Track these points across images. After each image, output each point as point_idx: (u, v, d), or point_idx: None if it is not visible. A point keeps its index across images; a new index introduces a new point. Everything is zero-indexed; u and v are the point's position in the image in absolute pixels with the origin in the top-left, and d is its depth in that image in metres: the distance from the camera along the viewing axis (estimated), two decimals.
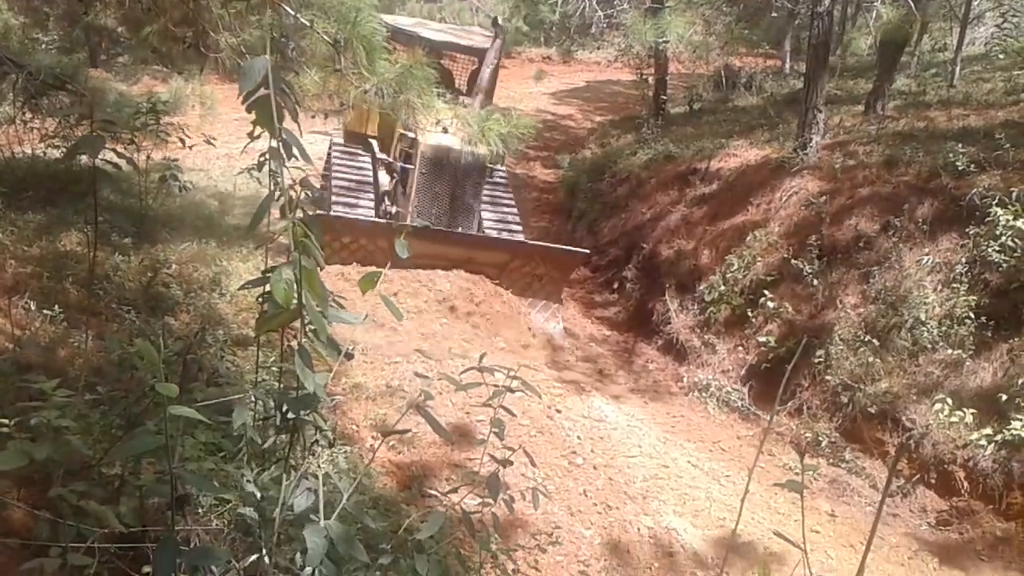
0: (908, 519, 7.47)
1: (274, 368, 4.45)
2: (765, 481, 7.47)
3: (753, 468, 1.85)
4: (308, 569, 2.55)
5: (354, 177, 11.06)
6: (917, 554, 6.95)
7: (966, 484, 7.36)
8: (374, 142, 11.92)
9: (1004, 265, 8.33)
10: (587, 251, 11.00)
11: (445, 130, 9.95)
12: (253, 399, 2.95)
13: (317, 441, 1.99)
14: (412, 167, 9.89)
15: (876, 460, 8.03)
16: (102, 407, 4.07)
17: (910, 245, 9.32)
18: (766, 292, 9.91)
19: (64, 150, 8.45)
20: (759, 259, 10.50)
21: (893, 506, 7.61)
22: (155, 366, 2.14)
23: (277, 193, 2.29)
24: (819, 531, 6.97)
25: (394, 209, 10.50)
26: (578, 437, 7.36)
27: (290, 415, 1.94)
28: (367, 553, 2.65)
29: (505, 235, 10.54)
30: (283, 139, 2.28)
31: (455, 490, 2.54)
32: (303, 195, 2.54)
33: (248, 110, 2.27)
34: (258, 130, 2.37)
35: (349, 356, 2.24)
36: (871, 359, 8.50)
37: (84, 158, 4.18)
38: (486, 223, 10.82)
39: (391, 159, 11.02)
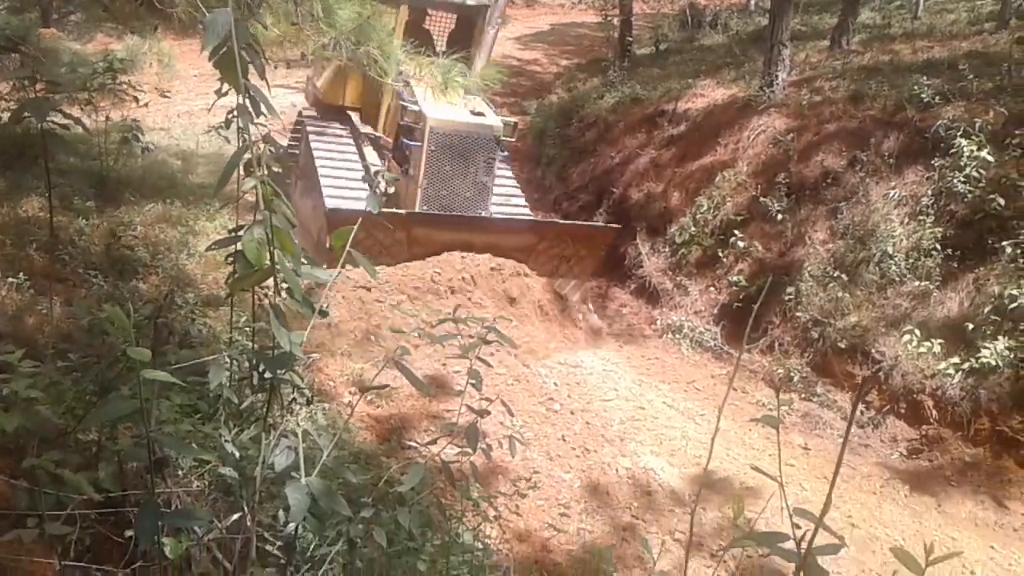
0: (879, 449, 7.64)
1: (247, 328, 4.42)
2: (739, 418, 7.60)
3: (723, 405, 1.87)
4: (291, 525, 2.57)
5: (341, 160, 9.95)
6: (888, 482, 7.12)
7: (935, 413, 7.53)
8: (354, 114, 10.84)
9: (969, 196, 8.43)
10: (619, 226, 10.17)
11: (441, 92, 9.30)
12: (228, 359, 2.94)
13: (295, 399, 1.98)
14: (417, 143, 8.80)
15: (847, 393, 8.18)
16: (75, 374, 4.03)
17: (877, 179, 9.38)
18: (736, 232, 9.96)
19: None
20: (728, 199, 10.53)
21: (864, 437, 7.78)
22: (126, 331, 2.11)
23: (244, 150, 2.25)
24: (793, 464, 7.12)
25: (391, 190, 9.44)
26: (555, 384, 7.43)
27: (267, 374, 1.93)
28: (349, 507, 2.68)
29: (507, 212, 9.63)
30: (250, 95, 2.23)
31: (434, 441, 2.55)
32: (269, 151, 2.49)
33: (214, 66, 2.21)
34: (225, 86, 2.31)
35: (324, 314, 2.23)
36: (840, 294, 8.61)
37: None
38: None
39: (378, 133, 10.13)
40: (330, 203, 8.74)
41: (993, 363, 7.21)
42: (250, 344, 3.59)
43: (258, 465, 1.95)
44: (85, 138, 8.52)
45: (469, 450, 2.35)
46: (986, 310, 7.59)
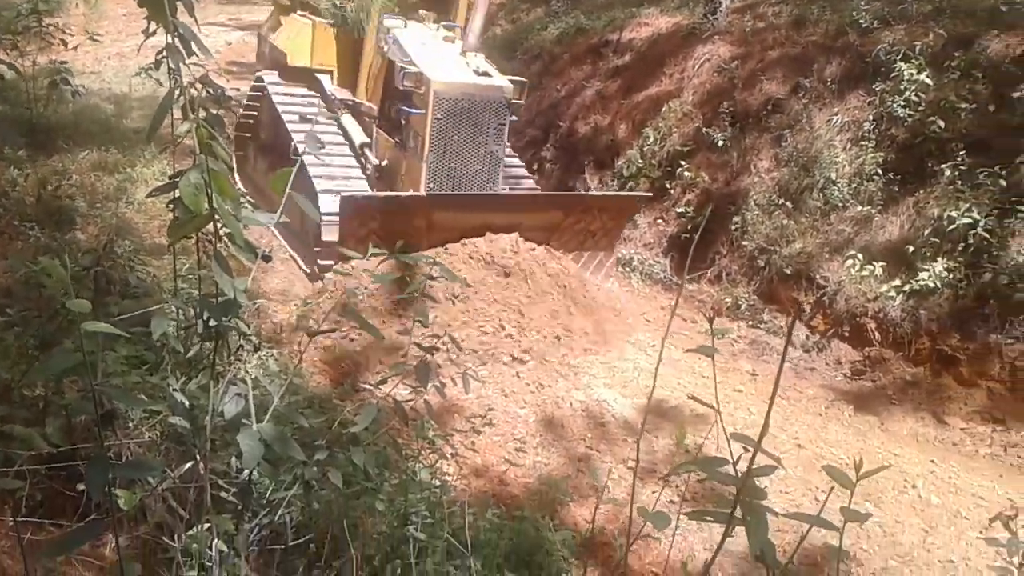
0: (824, 371, 7.84)
1: (192, 276, 4.35)
2: (689, 347, 7.72)
3: (665, 335, 1.89)
4: (246, 472, 2.57)
5: (324, 135, 8.70)
6: (833, 403, 7.33)
7: (877, 334, 7.73)
8: (324, 78, 9.60)
9: (909, 120, 8.54)
10: (649, 194, 9.43)
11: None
12: (172, 308, 2.89)
13: (242, 346, 1.96)
14: (418, 111, 7.80)
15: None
16: (16, 328, 3.94)
17: (819, 106, 9.45)
18: (683, 163, 10.00)
19: None
20: (675, 130, 10.54)
21: (810, 361, 7.97)
22: (63, 283, 2.06)
23: (177, 92, 2.18)
24: (741, 390, 7.28)
25: (383, 163, 8.54)
26: (505, 323, 7.45)
27: (211, 322, 1.90)
28: (303, 451, 2.68)
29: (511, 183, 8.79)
30: (179, 33, 2.14)
31: (384, 381, 2.55)
32: (206, 92, 2.42)
33: (139, 4, 2.12)
34: (153, 25, 2.22)
35: (267, 258, 2.19)
36: (785, 221, 8.73)
37: None
38: None
39: (359, 99, 9.13)
40: (321, 185, 7.82)
41: (932, 284, 7.41)
42: (196, 292, 3.54)
43: (208, 414, 1.94)
44: (12, 83, 8.20)
45: (422, 389, 2.35)
46: (926, 232, 7.76)
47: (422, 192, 7.71)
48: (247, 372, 2.06)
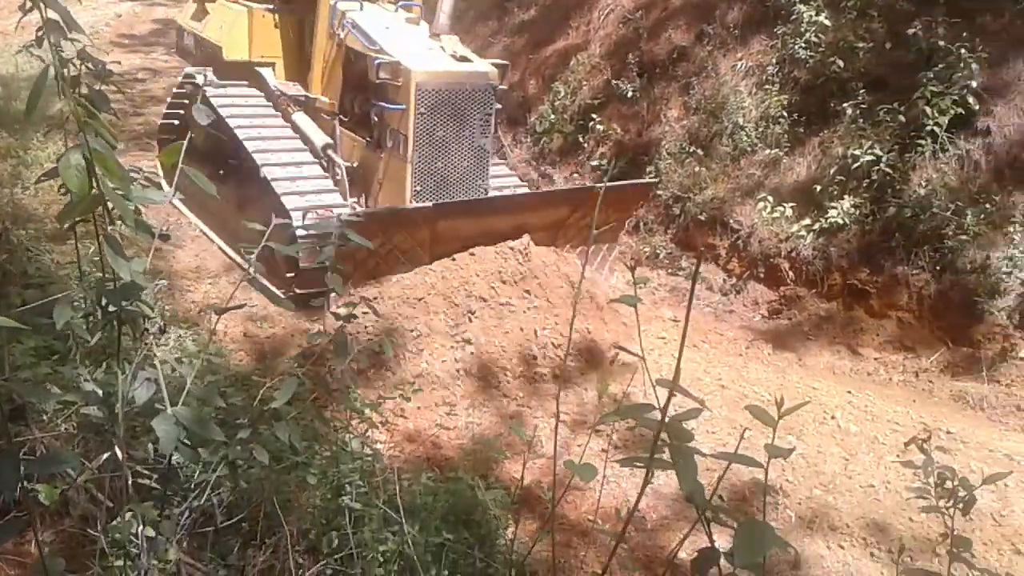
0: (743, 313, 8.04)
1: (96, 260, 4.19)
2: (612, 298, 7.80)
3: (579, 287, 1.90)
4: (169, 456, 2.51)
5: (279, 138, 7.71)
6: (753, 343, 7.53)
7: (791, 274, 7.95)
8: (266, 71, 8.47)
9: (810, 61, 8.71)
10: (656, 180, 8.67)
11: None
12: (77, 295, 2.78)
13: (147, 329, 1.89)
14: (398, 107, 6.98)
15: (710, 264, 8.51)
16: None
17: (724, 52, 9.57)
18: (594, 116, 10.03)
19: None
20: (584, 83, 10.55)
21: (728, 303, 8.16)
22: None
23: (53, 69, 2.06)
24: (665, 336, 7.40)
25: (355, 164, 7.67)
26: (433, 285, 7.40)
27: (111, 307, 1.83)
28: (226, 431, 2.62)
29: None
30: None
31: (301, 355, 2.51)
32: (87, 68, 2.30)
33: None
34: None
35: (164, 237, 2.11)
36: (697, 168, 8.86)
37: None
38: None
39: (314, 94, 8.10)
40: (292, 202, 6.75)
41: (840, 221, 7.64)
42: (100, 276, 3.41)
43: (119, 401, 1.87)
44: None
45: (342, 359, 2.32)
46: (832, 171, 7.98)
47: (407, 196, 7.04)
48: (156, 355, 1.99)
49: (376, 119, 7.25)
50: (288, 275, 6.74)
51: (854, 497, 5.39)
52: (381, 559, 3.25)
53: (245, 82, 8.29)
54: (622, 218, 7.81)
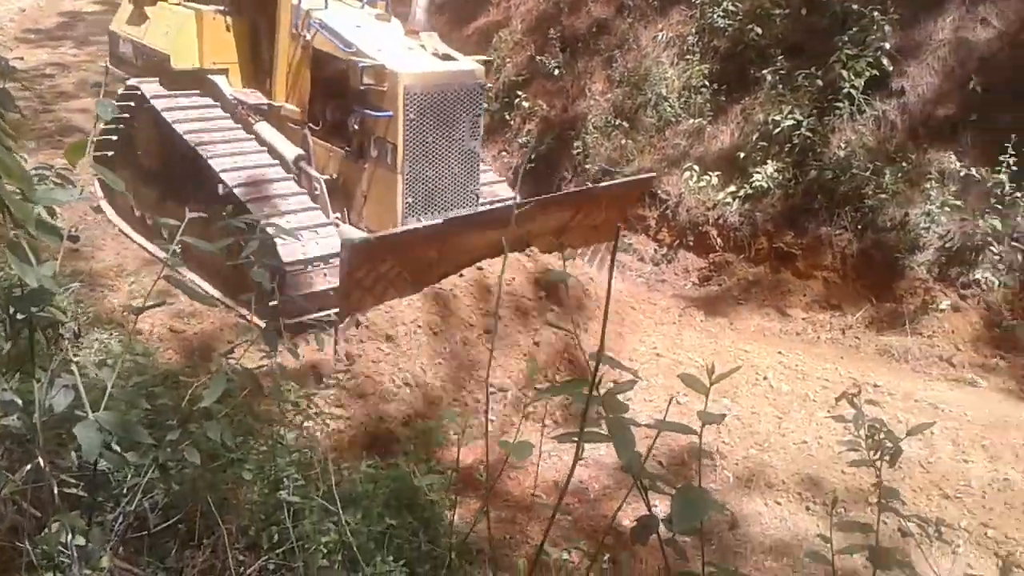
0: (674, 282, 8.15)
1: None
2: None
3: (504, 264, 1.89)
4: (97, 463, 2.43)
5: (253, 155, 7.11)
6: (685, 311, 7.64)
7: (719, 240, 8.08)
8: (219, 79, 7.80)
9: (729, 29, 8.82)
10: (653, 174, 8.13)
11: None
12: None
13: (61, 335, 1.82)
14: (384, 114, 6.52)
15: (640, 235, 8.58)
16: None
17: (644, 23, 9.62)
18: (519, 93, 10.01)
19: None
20: (508, 60, 10.51)
21: (660, 273, 8.26)
22: None
23: None
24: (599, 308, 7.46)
25: (335, 176, 7.15)
26: None
27: (20, 315, 1.76)
28: (155, 432, 2.56)
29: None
30: None
31: (231, 351, 2.46)
32: None
33: None
34: None
35: (74, 239, 2.04)
36: (623, 141, 8.91)
37: None
38: None
39: (278, 102, 7.45)
40: (282, 242, 6.00)
41: (764, 186, 7.78)
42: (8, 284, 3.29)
43: (37, 410, 1.81)
44: None
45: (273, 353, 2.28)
46: (754, 138, 8.11)
47: (399, 210, 6.63)
48: (74, 360, 1.92)
49: (356, 127, 6.78)
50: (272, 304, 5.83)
51: (788, 454, 5.53)
52: (324, 550, 3.22)
53: (196, 92, 7.68)
54: (622, 215, 7.62)
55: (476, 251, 6.32)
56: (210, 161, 6.76)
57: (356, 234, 6.41)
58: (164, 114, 7.20)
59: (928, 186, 7.13)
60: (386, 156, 6.63)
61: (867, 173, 7.35)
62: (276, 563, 3.13)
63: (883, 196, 7.26)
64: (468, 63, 6.99)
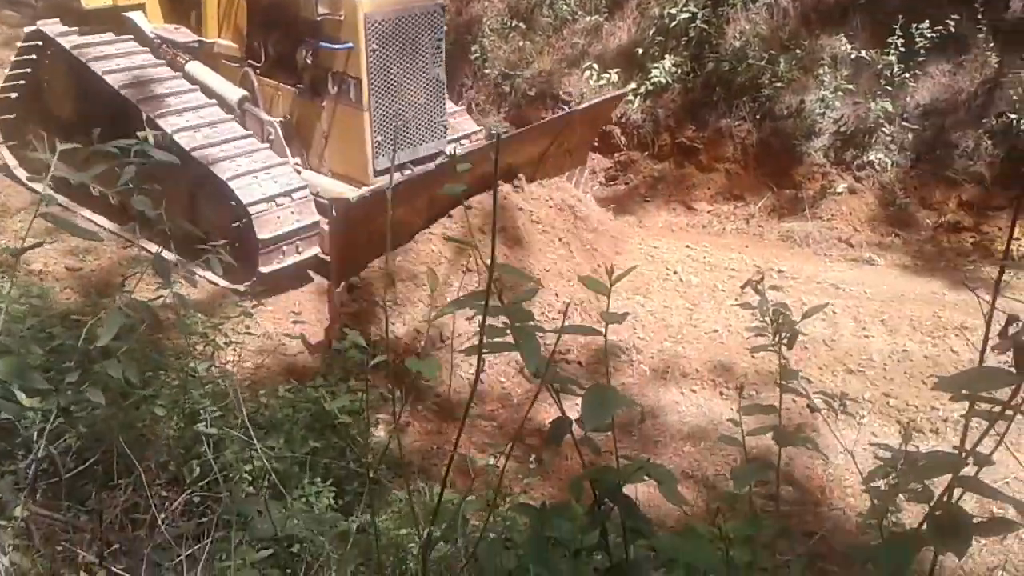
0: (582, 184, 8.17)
1: None
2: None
3: (392, 172, 1.86)
4: None
5: (186, 96, 6.46)
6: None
7: (623, 139, 8.11)
8: (136, 15, 7.02)
9: None
10: (626, 90, 7.71)
11: None
12: None
13: None
14: (344, 45, 5.98)
15: None
16: None
17: None
18: None
19: None
20: None
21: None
22: None
23: None
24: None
25: (289, 118, 6.61)
26: None
27: None
28: (55, 375, 2.47)
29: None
30: None
31: (121, 284, 2.37)
32: None
33: None
34: None
35: None
36: (522, 43, 8.77)
37: None
38: None
39: (206, 38, 6.80)
40: (226, 171, 5.79)
41: (664, 81, 7.79)
42: None
43: None
44: None
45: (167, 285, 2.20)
46: (651, 33, 8.07)
47: (368, 149, 6.15)
48: None
49: (309, 62, 6.23)
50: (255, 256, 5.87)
51: (700, 344, 5.71)
52: (249, 478, 3.21)
53: (110, 32, 6.82)
54: (590, 136, 7.35)
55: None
56: (148, 108, 6.12)
57: (336, 187, 6.07)
58: (90, 64, 6.39)
59: (821, 72, 7.25)
60: (348, 92, 6.11)
61: (763, 63, 7.43)
62: (201, 495, 3.11)
63: (779, 84, 7.36)
64: None
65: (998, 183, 6.75)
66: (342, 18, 5.92)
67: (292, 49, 6.34)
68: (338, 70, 6.10)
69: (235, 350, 4.02)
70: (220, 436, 3.10)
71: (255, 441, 2.53)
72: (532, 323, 1.70)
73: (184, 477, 3.10)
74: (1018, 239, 6.54)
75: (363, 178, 6.20)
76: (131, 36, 6.85)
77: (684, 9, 7.76)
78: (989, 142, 6.81)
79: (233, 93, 6.55)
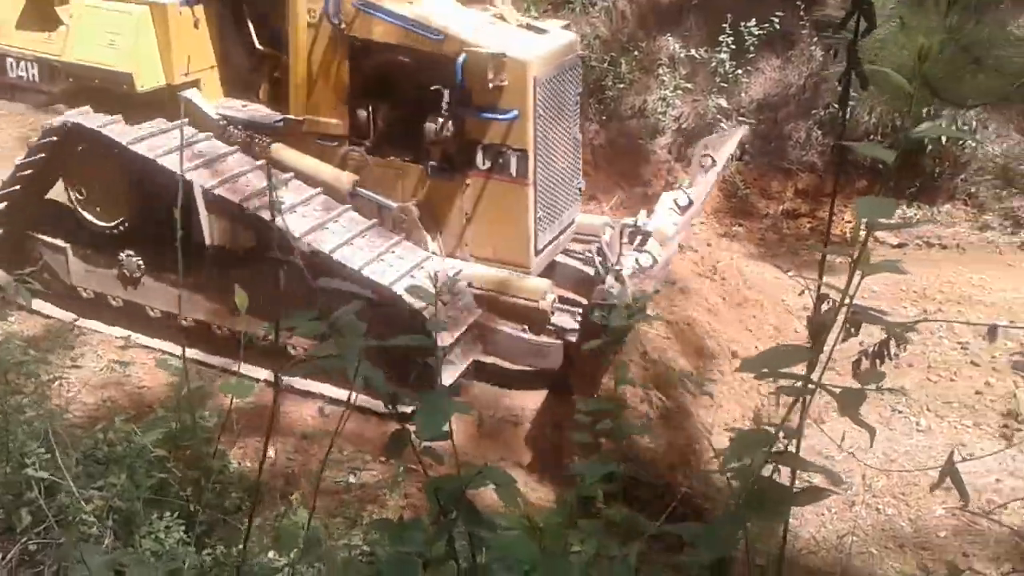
0: None
1: None
2: None
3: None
4: None
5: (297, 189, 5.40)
6: None
7: None
8: (194, 94, 5.87)
9: None
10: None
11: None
12: None
13: None
14: (507, 114, 5.07)
15: None
16: None
17: None
18: None
19: None
20: None
21: None
22: None
23: None
24: None
25: (410, 200, 5.59)
26: None
27: None
28: None
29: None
30: None
31: None
32: None
33: None
34: None
35: None
36: None
37: None
38: None
39: (301, 115, 5.67)
40: (386, 274, 4.86)
41: None
42: None
43: None
44: None
45: None
46: None
47: (530, 227, 5.30)
48: None
49: (448, 134, 5.17)
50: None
51: None
52: (93, 519, 3.02)
53: (160, 119, 5.53)
54: None
55: None
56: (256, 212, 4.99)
57: (490, 273, 5.30)
58: (159, 161, 5.12)
59: (661, 71, 7.49)
60: (508, 166, 5.23)
61: (605, 65, 7.61)
62: (38, 542, 2.91)
63: (622, 86, 7.56)
64: (566, 34, 5.78)
65: (829, 170, 7.16)
66: (505, 84, 5.04)
67: (412, 121, 5.39)
68: (493, 142, 5.22)
69: (63, 383, 3.78)
70: (51, 480, 2.89)
71: (92, 479, 2.36)
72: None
73: (15, 526, 2.89)
74: (850, 222, 6.95)
75: (523, 261, 5.41)
76: (189, 121, 5.43)
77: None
78: (819, 132, 7.21)
79: (344, 178, 5.60)
